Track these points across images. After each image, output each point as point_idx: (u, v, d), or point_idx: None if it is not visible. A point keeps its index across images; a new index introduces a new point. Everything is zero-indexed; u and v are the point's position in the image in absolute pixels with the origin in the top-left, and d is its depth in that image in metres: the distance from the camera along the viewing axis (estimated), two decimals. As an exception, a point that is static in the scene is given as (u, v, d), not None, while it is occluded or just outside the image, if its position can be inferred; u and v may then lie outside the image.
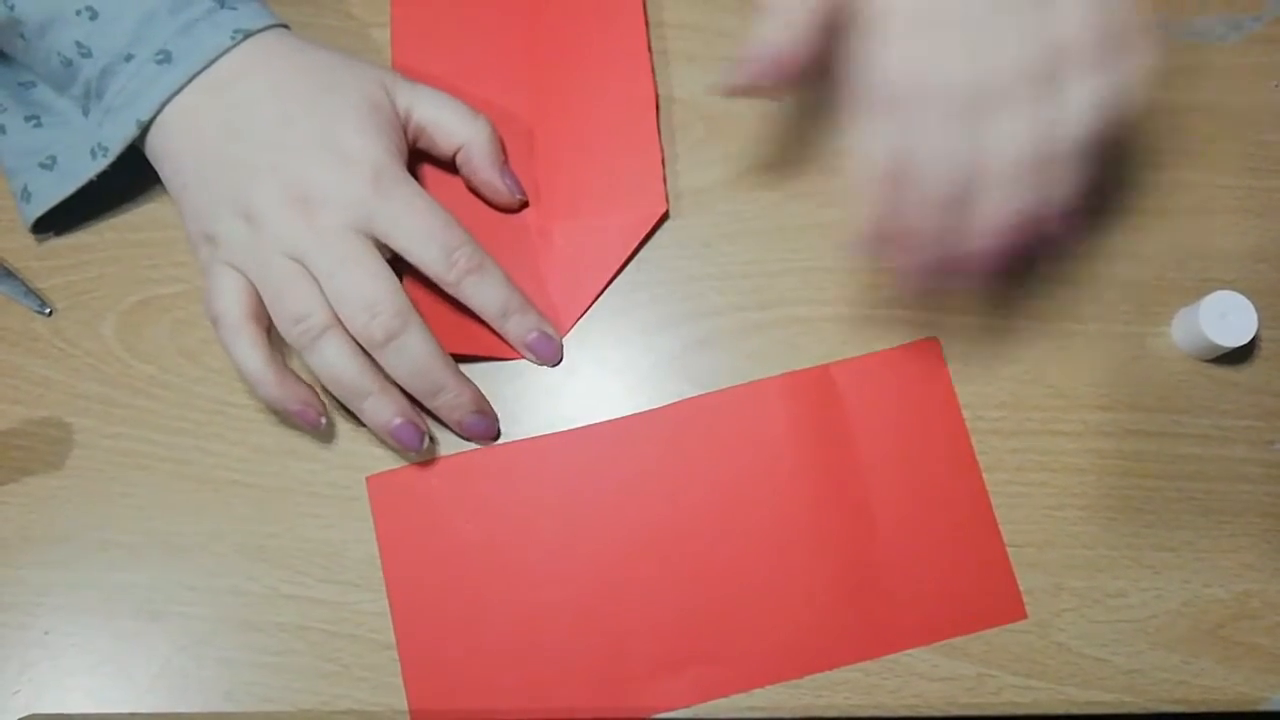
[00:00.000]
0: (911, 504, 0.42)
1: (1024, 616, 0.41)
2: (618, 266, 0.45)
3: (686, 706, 0.41)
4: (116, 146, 0.41)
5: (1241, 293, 0.42)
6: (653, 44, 0.47)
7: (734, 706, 0.41)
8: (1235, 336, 0.42)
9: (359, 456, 0.43)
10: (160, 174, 0.43)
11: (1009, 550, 0.42)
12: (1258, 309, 0.42)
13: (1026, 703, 0.41)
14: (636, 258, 0.45)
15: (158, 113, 0.41)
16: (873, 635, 0.41)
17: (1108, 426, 0.43)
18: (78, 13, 0.40)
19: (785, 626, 0.41)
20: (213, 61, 0.40)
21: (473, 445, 0.43)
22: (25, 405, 0.44)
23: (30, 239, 0.46)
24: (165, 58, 0.40)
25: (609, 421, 0.43)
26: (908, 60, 0.34)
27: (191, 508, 0.43)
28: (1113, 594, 0.42)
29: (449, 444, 0.43)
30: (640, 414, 0.43)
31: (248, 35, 0.41)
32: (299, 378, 0.41)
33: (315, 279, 0.39)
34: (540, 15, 0.48)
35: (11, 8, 0.41)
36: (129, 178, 0.44)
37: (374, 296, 0.39)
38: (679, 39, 0.48)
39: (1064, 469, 0.43)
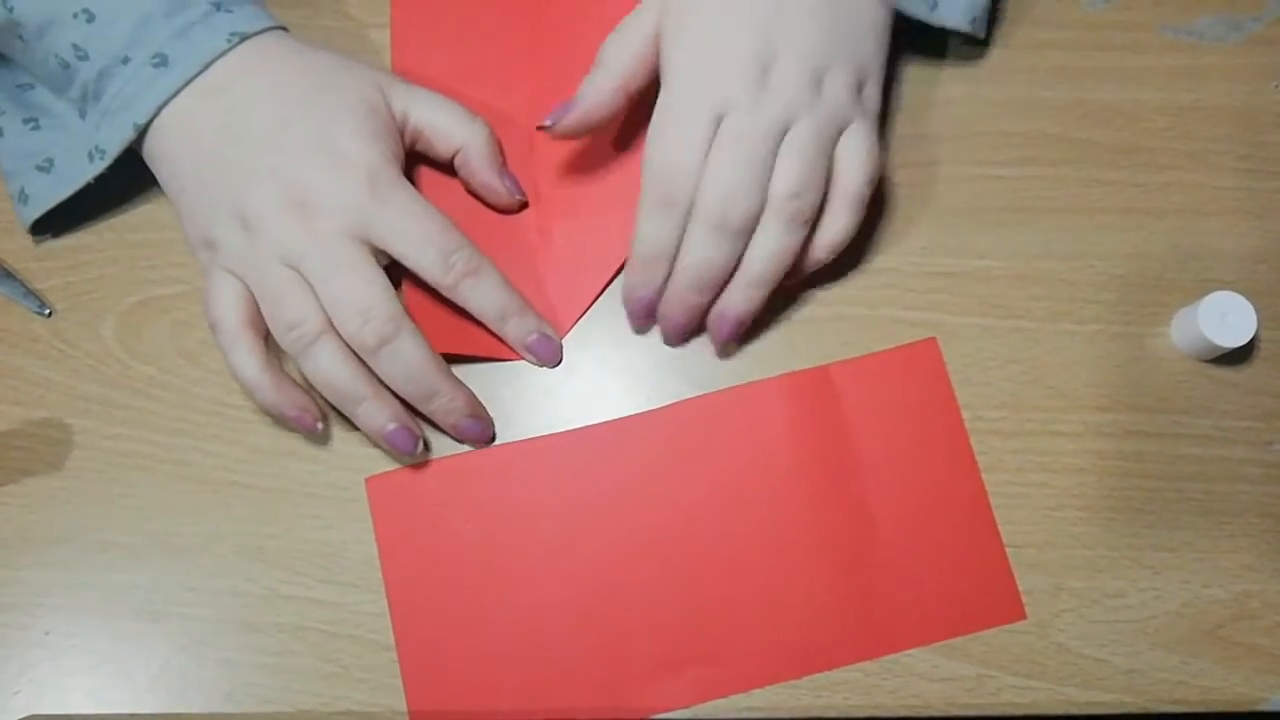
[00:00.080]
0: (911, 504, 0.42)
1: (1023, 617, 0.41)
2: (618, 266, 0.45)
3: (686, 706, 0.41)
4: (114, 150, 0.41)
5: (1241, 293, 0.42)
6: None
7: (734, 706, 0.41)
8: (1235, 337, 0.42)
9: (358, 458, 0.43)
10: (158, 177, 0.43)
11: (1009, 550, 0.42)
12: (1257, 309, 0.42)
13: (1026, 703, 0.41)
14: (636, 258, 0.45)
15: (154, 116, 0.41)
16: (872, 635, 0.41)
17: (1107, 427, 0.43)
18: (75, 15, 0.40)
19: (785, 626, 0.41)
20: (209, 65, 0.40)
21: (471, 446, 0.43)
22: (25, 406, 0.44)
23: (30, 240, 0.46)
24: (161, 61, 0.40)
25: (608, 422, 0.43)
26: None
27: (191, 509, 0.43)
28: (1112, 594, 0.42)
29: (448, 445, 0.43)
30: (639, 414, 0.43)
31: (244, 38, 0.41)
32: (296, 383, 0.41)
33: (310, 285, 0.39)
34: (540, 16, 0.48)
35: (10, 9, 0.41)
36: (127, 180, 0.44)
37: (367, 302, 0.39)
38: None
39: (1064, 469, 0.43)
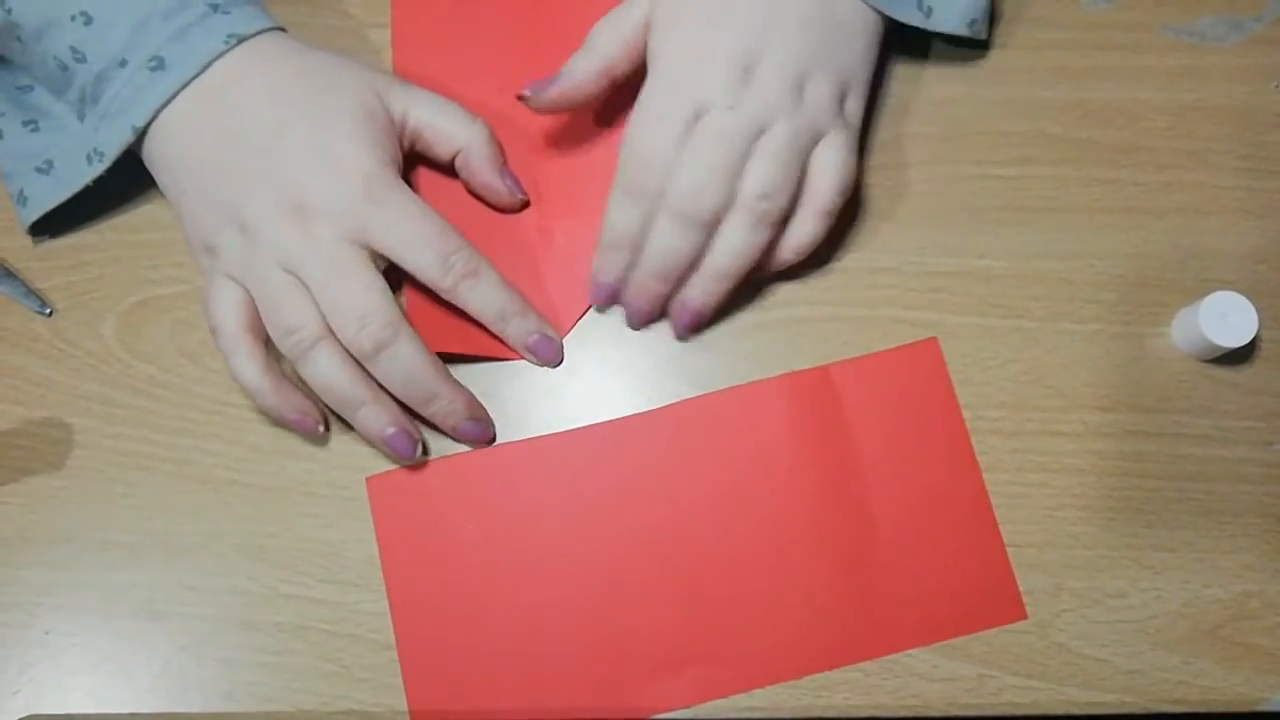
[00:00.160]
0: (911, 504, 0.42)
1: (1024, 617, 0.41)
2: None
3: (686, 706, 0.41)
4: (112, 153, 0.41)
5: (1241, 293, 0.42)
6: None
7: (734, 706, 0.41)
8: (1235, 337, 0.42)
9: (358, 456, 0.43)
10: (157, 181, 0.43)
11: (1009, 550, 0.42)
12: (1258, 309, 0.42)
13: (1026, 703, 0.41)
14: (636, 258, 0.45)
15: (152, 119, 0.41)
16: (872, 635, 0.41)
17: (1107, 427, 0.43)
18: (73, 18, 0.40)
19: (785, 627, 0.41)
20: (206, 67, 0.40)
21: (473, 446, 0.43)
22: (26, 405, 0.44)
23: (30, 239, 0.46)
24: (159, 64, 0.40)
25: (609, 422, 0.43)
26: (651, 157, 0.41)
27: (191, 508, 0.43)
28: (1113, 594, 0.42)
29: (448, 445, 0.43)
30: (640, 414, 0.43)
31: (241, 40, 0.41)
32: (296, 387, 0.42)
33: (309, 290, 0.39)
34: (541, 16, 0.48)
35: (9, 11, 0.41)
36: (127, 180, 0.44)
37: (364, 307, 0.39)
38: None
39: (1064, 469, 0.43)
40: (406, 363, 0.40)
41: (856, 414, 0.43)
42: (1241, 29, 0.48)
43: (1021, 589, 0.42)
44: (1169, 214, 0.45)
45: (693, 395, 0.44)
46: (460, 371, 0.44)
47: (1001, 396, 0.43)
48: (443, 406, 0.41)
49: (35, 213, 0.43)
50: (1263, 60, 0.47)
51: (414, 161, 0.45)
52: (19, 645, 0.42)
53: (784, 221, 0.42)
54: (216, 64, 0.40)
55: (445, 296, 0.41)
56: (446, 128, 0.43)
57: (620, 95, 0.44)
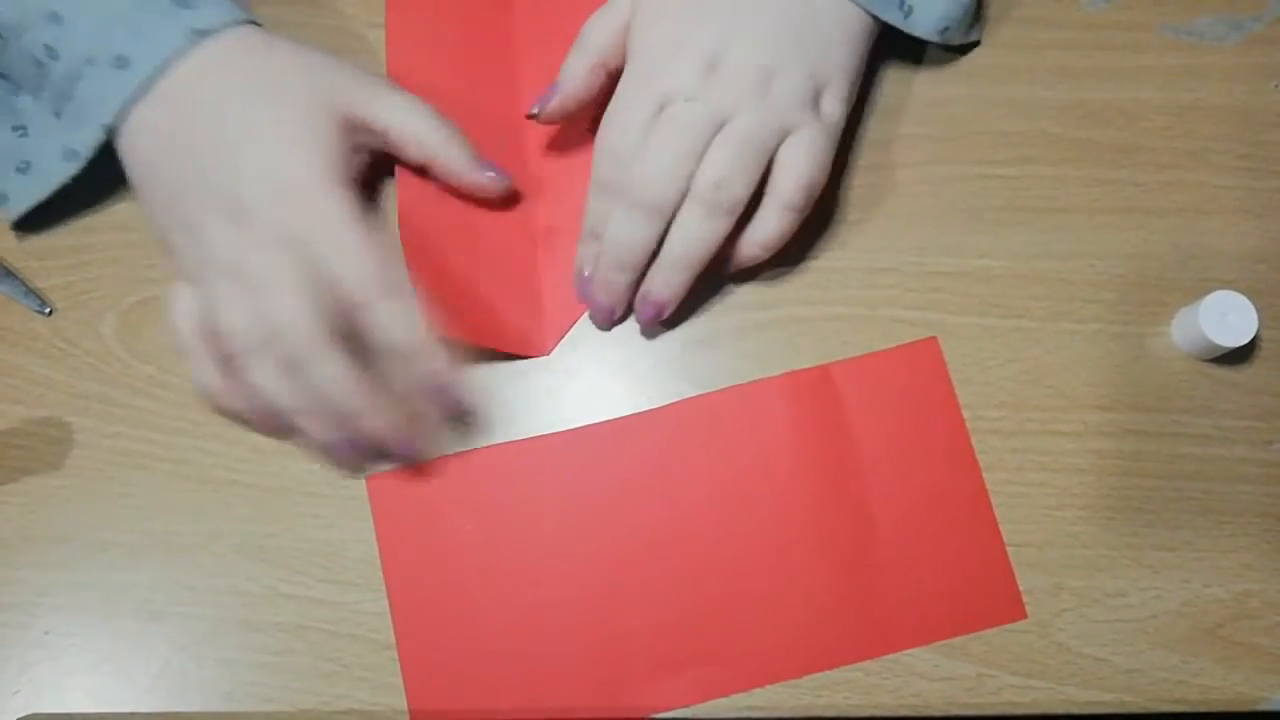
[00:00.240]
0: (911, 503, 0.42)
1: (1024, 616, 0.41)
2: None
3: (686, 706, 0.41)
4: (86, 151, 0.41)
5: (1241, 293, 0.42)
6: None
7: (734, 706, 0.41)
8: (1235, 336, 0.42)
9: (359, 456, 0.43)
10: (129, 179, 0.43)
11: (1009, 550, 0.42)
12: (1258, 309, 0.42)
13: (1026, 703, 0.41)
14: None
15: (119, 118, 0.40)
16: (873, 635, 0.41)
17: (1107, 426, 0.43)
18: (44, 16, 0.40)
19: (785, 626, 0.41)
20: (168, 64, 0.40)
21: (472, 446, 0.43)
22: (25, 405, 0.44)
23: (30, 239, 0.46)
24: (122, 62, 0.40)
25: (609, 421, 0.43)
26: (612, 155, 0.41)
27: (191, 508, 0.43)
28: (1112, 594, 0.42)
29: (449, 444, 0.43)
30: (640, 414, 0.43)
31: (204, 35, 0.40)
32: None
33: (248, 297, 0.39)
34: (539, 14, 0.48)
35: None
36: (115, 175, 0.44)
37: (289, 320, 0.38)
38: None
39: (1064, 469, 0.43)
40: (326, 377, 0.39)
41: (856, 414, 0.43)
42: (1241, 28, 0.48)
43: (1021, 588, 0.42)
44: (1169, 214, 0.46)
45: (693, 395, 0.44)
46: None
47: (1001, 396, 0.43)
48: (365, 423, 0.40)
49: (15, 212, 0.44)
50: (1262, 60, 0.47)
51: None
52: (19, 645, 0.42)
53: (745, 214, 0.41)
54: (179, 61, 0.40)
55: (357, 310, 0.40)
56: (414, 131, 0.42)
57: (609, 92, 0.44)
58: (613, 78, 0.43)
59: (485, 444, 0.43)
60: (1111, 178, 0.46)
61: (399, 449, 0.42)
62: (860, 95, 0.46)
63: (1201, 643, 0.41)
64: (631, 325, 0.44)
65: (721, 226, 0.41)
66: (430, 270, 0.43)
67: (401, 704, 0.41)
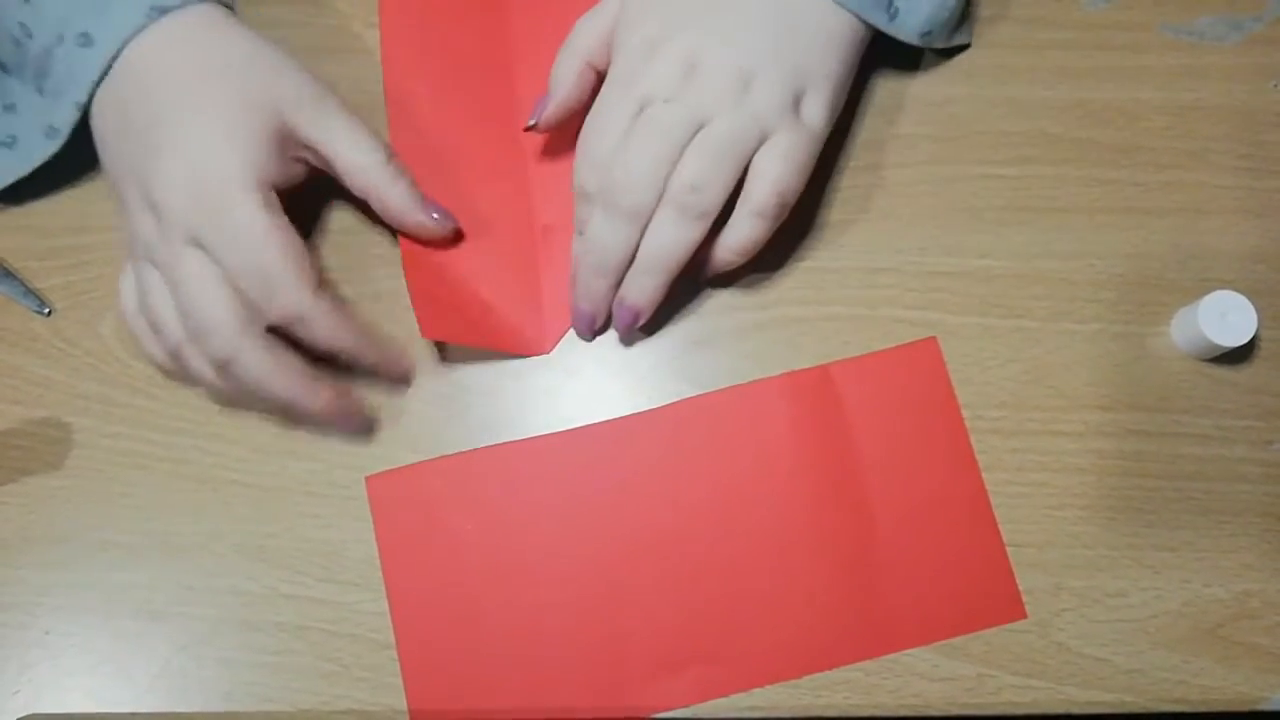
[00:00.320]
0: (911, 504, 0.42)
1: (1024, 616, 0.41)
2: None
3: (686, 706, 0.41)
4: (65, 129, 0.42)
5: (1241, 292, 0.42)
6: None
7: (734, 706, 0.41)
8: (1235, 336, 0.42)
9: (358, 456, 0.43)
10: None
11: (1009, 550, 0.42)
12: (1257, 309, 0.42)
13: (1026, 702, 0.41)
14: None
15: (90, 96, 0.40)
16: (873, 635, 0.41)
17: (1108, 426, 0.43)
18: None
19: (785, 626, 0.41)
20: (127, 42, 0.39)
21: (472, 445, 0.43)
22: (25, 405, 0.44)
23: (30, 238, 0.46)
24: (86, 40, 0.40)
25: (608, 421, 0.43)
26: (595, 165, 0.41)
27: (191, 507, 0.43)
28: (1113, 594, 0.42)
29: (449, 444, 0.43)
30: (640, 414, 0.43)
31: (164, 12, 0.40)
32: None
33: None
34: (532, 12, 0.48)
35: None
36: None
37: (206, 319, 0.38)
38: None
39: (1064, 469, 0.43)
40: (253, 374, 0.39)
41: (856, 414, 0.43)
42: (1241, 28, 0.48)
43: (1021, 588, 0.42)
44: (1169, 214, 0.46)
45: (693, 395, 0.44)
46: (459, 371, 0.44)
47: (1001, 396, 0.43)
48: (305, 409, 0.40)
49: None
50: (1262, 60, 0.47)
51: (418, 148, 0.45)
52: (19, 645, 0.42)
53: (718, 218, 0.41)
54: (137, 39, 0.39)
55: (265, 314, 0.39)
56: (356, 163, 0.41)
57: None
58: (602, 78, 0.43)
59: (485, 444, 0.43)
60: (1112, 178, 0.46)
61: (345, 428, 0.42)
62: (860, 95, 0.46)
63: (1202, 643, 0.41)
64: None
65: (696, 231, 0.40)
66: (430, 270, 0.43)
67: (401, 704, 0.41)
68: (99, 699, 0.41)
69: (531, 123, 0.44)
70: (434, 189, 0.45)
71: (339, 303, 0.40)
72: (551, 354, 0.44)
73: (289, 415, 0.43)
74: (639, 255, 0.41)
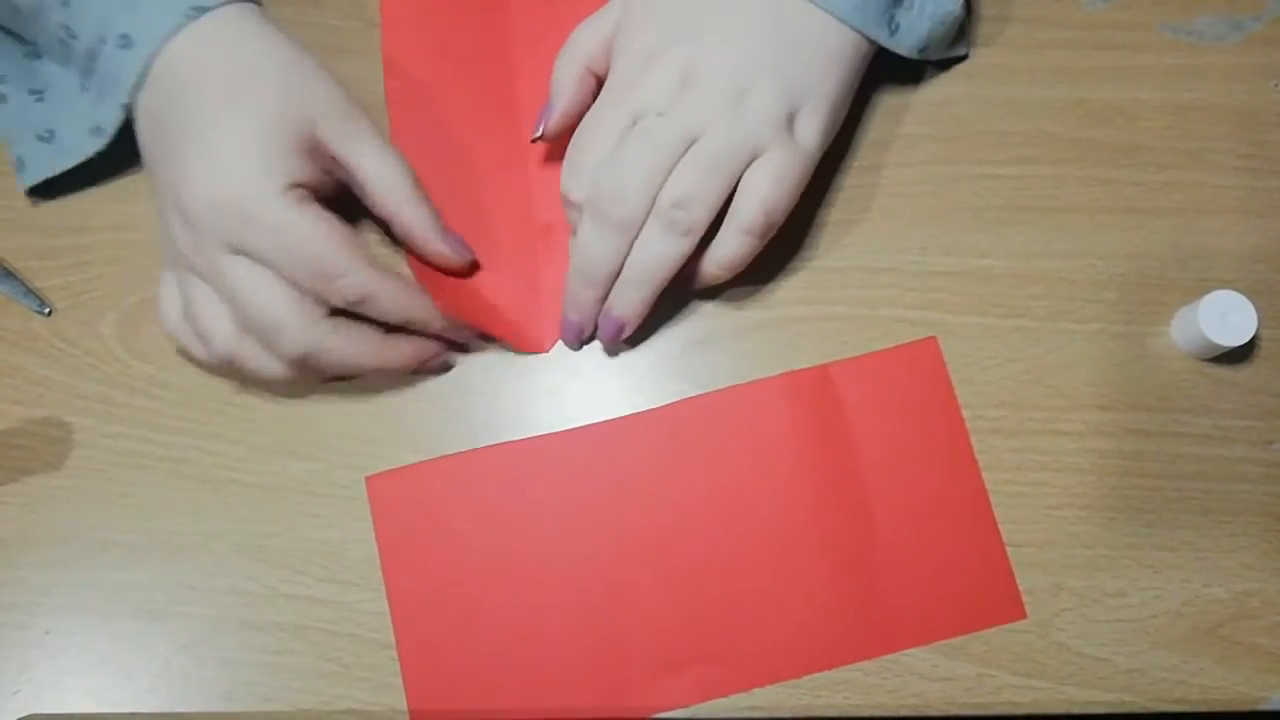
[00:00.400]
0: (911, 503, 0.42)
1: (1024, 616, 0.41)
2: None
3: (686, 706, 0.41)
4: (110, 129, 0.42)
5: (1241, 292, 0.42)
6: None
7: (734, 706, 0.41)
8: (1235, 336, 0.42)
9: (358, 456, 0.43)
10: None
11: (1009, 550, 0.42)
12: (1258, 308, 0.42)
13: (1026, 702, 0.41)
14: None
15: (132, 97, 0.40)
16: (872, 635, 0.41)
17: (1108, 426, 0.43)
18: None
19: (785, 626, 0.41)
20: (166, 42, 0.39)
21: (472, 445, 0.43)
22: (25, 405, 0.44)
23: (30, 238, 0.46)
24: (126, 42, 0.40)
25: (608, 421, 0.43)
26: (595, 179, 0.41)
27: (191, 507, 0.43)
28: (1113, 594, 0.42)
29: (449, 444, 0.43)
30: (639, 414, 0.43)
31: (202, 12, 0.40)
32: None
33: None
34: (533, 13, 0.48)
35: None
36: (110, 172, 0.45)
37: (271, 321, 0.38)
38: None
39: (1064, 468, 0.43)
40: (336, 360, 0.40)
41: (856, 414, 0.43)
42: (1240, 28, 0.48)
43: (1021, 588, 0.42)
44: (1169, 213, 0.46)
45: (693, 394, 0.44)
46: (459, 371, 0.44)
47: (1001, 396, 0.43)
48: (393, 369, 0.42)
49: (31, 179, 0.44)
50: (1262, 59, 0.47)
51: (417, 145, 0.45)
52: (19, 645, 0.42)
53: (707, 233, 0.41)
54: (176, 39, 0.39)
55: (329, 299, 0.40)
56: (384, 186, 0.41)
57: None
58: (602, 83, 0.43)
59: (485, 444, 0.43)
60: (1112, 177, 0.46)
61: (437, 366, 0.44)
62: (860, 96, 0.46)
63: (1202, 643, 0.41)
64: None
65: (683, 246, 0.40)
66: (430, 269, 0.43)
67: (401, 704, 0.41)
68: (99, 699, 0.41)
69: (537, 134, 0.44)
70: (435, 188, 0.45)
71: (397, 275, 0.40)
72: (551, 354, 0.44)
73: (371, 375, 0.43)
74: (625, 268, 0.41)
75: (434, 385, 0.44)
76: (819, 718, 0.41)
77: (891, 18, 0.42)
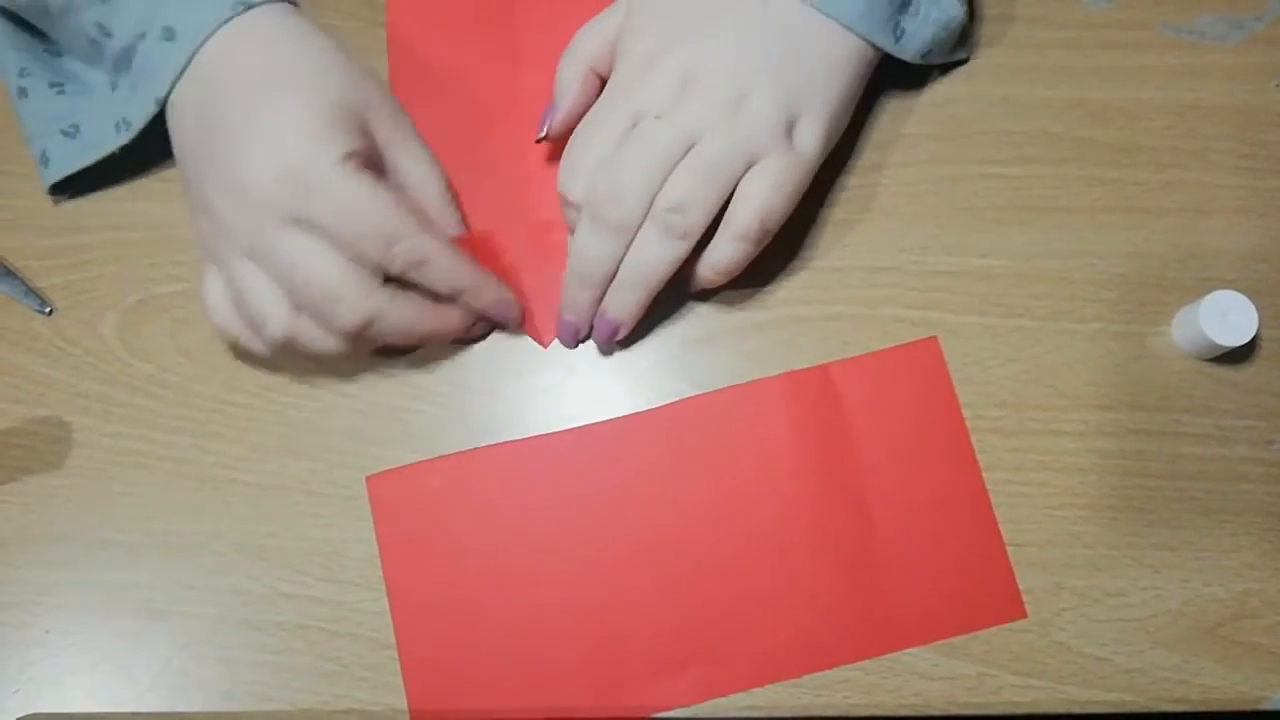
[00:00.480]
0: (911, 503, 0.42)
1: (1024, 616, 0.41)
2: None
3: (686, 706, 0.41)
4: (139, 123, 0.42)
5: (1242, 292, 0.42)
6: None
7: (734, 706, 0.41)
8: (1235, 336, 0.42)
9: (359, 455, 0.43)
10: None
11: (1009, 550, 0.42)
12: (1258, 308, 0.42)
13: (1026, 702, 0.41)
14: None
15: (170, 91, 0.40)
16: (872, 635, 0.41)
17: (1108, 426, 0.43)
18: None
19: (785, 626, 0.41)
20: (211, 35, 0.39)
21: (472, 445, 0.43)
22: (25, 404, 0.44)
23: (30, 238, 0.46)
24: (169, 35, 0.40)
25: (609, 421, 0.43)
26: (594, 179, 0.40)
27: (191, 507, 0.43)
28: (1113, 593, 0.42)
29: (449, 444, 0.43)
30: (640, 413, 0.43)
31: (248, 7, 0.40)
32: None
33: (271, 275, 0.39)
34: (538, 12, 0.48)
35: None
36: (110, 173, 0.45)
37: (328, 291, 0.38)
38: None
39: (1064, 468, 0.43)
40: (394, 326, 0.40)
41: (856, 413, 0.43)
42: (1242, 28, 0.48)
43: (1021, 588, 0.42)
44: (1169, 213, 0.45)
45: (693, 394, 0.44)
46: (459, 371, 0.44)
47: (1002, 395, 0.43)
48: (447, 337, 0.42)
49: (56, 174, 0.44)
50: (1263, 59, 0.47)
51: (433, 135, 0.45)
52: (19, 645, 0.42)
53: (702, 238, 0.41)
54: (220, 33, 0.39)
55: (387, 267, 0.40)
56: (417, 181, 0.42)
57: None
58: (605, 83, 0.43)
59: (485, 444, 0.43)
60: (1112, 177, 0.46)
61: (496, 323, 0.44)
62: (862, 96, 0.46)
63: (1202, 642, 0.41)
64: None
65: (678, 250, 0.40)
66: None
67: (401, 704, 0.41)
68: (99, 698, 0.41)
69: (541, 135, 0.44)
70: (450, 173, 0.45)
71: (450, 242, 0.41)
72: (550, 353, 0.44)
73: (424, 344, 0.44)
74: (621, 270, 0.41)
75: (434, 385, 0.44)
76: (819, 717, 0.41)
77: (897, 24, 0.42)
